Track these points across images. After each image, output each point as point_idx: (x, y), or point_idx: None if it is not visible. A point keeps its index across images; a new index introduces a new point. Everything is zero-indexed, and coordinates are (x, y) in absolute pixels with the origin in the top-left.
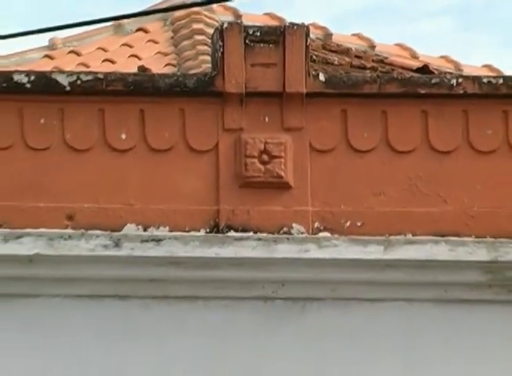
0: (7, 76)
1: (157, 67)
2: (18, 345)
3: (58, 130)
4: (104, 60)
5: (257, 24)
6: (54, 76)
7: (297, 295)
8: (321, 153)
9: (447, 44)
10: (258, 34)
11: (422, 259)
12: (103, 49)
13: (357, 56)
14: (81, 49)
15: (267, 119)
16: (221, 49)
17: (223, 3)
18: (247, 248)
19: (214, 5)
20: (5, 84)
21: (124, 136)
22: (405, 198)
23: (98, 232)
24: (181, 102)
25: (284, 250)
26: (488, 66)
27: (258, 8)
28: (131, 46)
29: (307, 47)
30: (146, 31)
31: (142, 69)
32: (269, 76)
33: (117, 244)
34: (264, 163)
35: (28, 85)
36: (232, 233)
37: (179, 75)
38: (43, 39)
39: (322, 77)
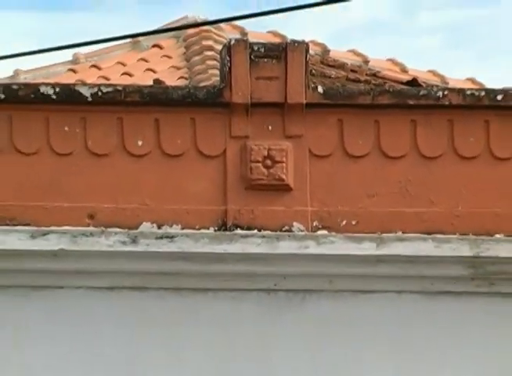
0: (34, 88)
1: (171, 80)
2: (44, 333)
3: (80, 137)
4: (123, 74)
5: (262, 41)
6: (77, 88)
7: (297, 287)
8: (319, 158)
9: (434, 59)
10: (262, 50)
11: (411, 255)
12: (122, 64)
13: (352, 70)
14: (101, 64)
15: (270, 127)
16: (229, 64)
17: (231, 22)
18: (252, 245)
19: (223, 24)
20: (32, 96)
21: (140, 143)
22: (396, 199)
23: (116, 229)
24: (192, 112)
25: (285, 246)
26: (471, 80)
27: (263, 26)
28: (147, 61)
29: (306, 62)
30: (160, 47)
31: (157, 82)
32: (272, 88)
33: (134, 241)
34: (267, 167)
35: (54, 96)
36: (238, 231)
37: (190, 87)
38: (67, 54)
39: (320, 89)
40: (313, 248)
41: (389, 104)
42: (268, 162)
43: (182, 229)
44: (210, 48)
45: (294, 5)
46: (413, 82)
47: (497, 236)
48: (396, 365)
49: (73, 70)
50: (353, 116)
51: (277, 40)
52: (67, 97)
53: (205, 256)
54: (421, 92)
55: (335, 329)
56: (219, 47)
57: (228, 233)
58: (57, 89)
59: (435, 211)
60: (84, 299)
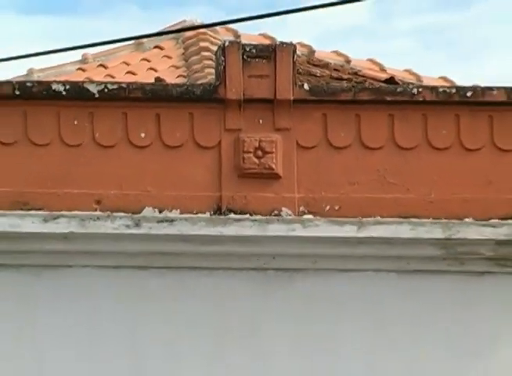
0: (46, 85)
1: (171, 78)
2: (54, 308)
3: (88, 130)
4: (127, 72)
5: (253, 43)
6: (85, 85)
7: (285, 266)
8: (305, 149)
9: (409, 60)
10: (254, 50)
11: (388, 237)
12: (126, 63)
13: (335, 69)
14: (107, 63)
15: (261, 121)
16: (223, 63)
17: (225, 25)
18: (244, 228)
19: (218, 27)
20: (45, 92)
21: (143, 135)
22: (375, 187)
23: (121, 214)
24: (190, 107)
25: (275, 229)
26: (443, 78)
27: (254, 29)
28: (149, 61)
29: (294, 62)
30: (161, 48)
31: (158, 80)
32: (263, 85)
33: (137, 224)
34: (258, 157)
35: (64, 93)
36: (232, 215)
37: (189, 85)
38: (77, 55)
39: (306, 86)
40: (299, 231)
41: (369, 100)
42: (259, 153)
43: (181, 213)
44: (207, 49)
45: (282, 9)
46: (391, 80)
47: (466, 220)
48: (374, 337)
49: (82, 69)
50: (336, 111)
51: (267, 42)
52: (76, 94)
53: (202, 238)
54: (398, 89)
55: (319, 304)
56: (215, 48)
57: (222, 217)
58: (67, 86)
59: (410, 198)
60: (91, 277)
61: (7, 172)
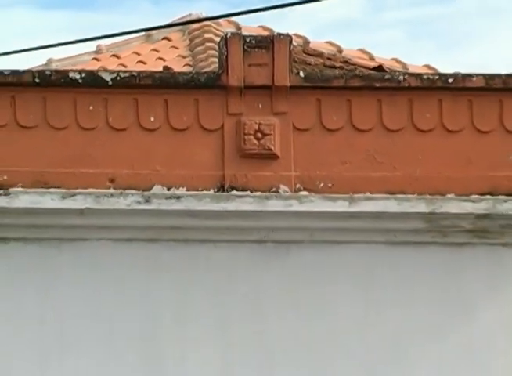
0: (64, 74)
1: (178, 67)
2: (72, 278)
3: (102, 114)
4: (138, 62)
5: (253, 34)
6: (100, 73)
7: (283, 239)
8: (301, 131)
9: (397, 49)
10: (254, 41)
11: (377, 211)
12: (137, 53)
13: (328, 58)
14: (120, 54)
15: (260, 106)
16: (226, 53)
17: (227, 18)
18: (246, 203)
19: (221, 20)
20: (62, 80)
21: (152, 119)
22: (365, 165)
23: (133, 191)
24: (195, 93)
25: (273, 205)
26: (427, 66)
27: (255, 21)
28: (158, 51)
29: (290, 51)
30: (169, 40)
31: (166, 68)
32: (262, 73)
33: (148, 201)
34: (258, 139)
35: (80, 81)
36: (234, 192)
37: (194, 73)
38: (92, 46)
39: (301, 74)
40: (296, 206)
41: (359, 86)
42: (259, 135)
43: (187, 190)
44: (211, 40)
45: (280, 3)
46: (379, 68)
47: (448, 195)
48: (365, 301)
49: (97, 59)
50: (329, 96)
51: (266, 33)
52: (91, 81)
53: (206, 213)
54: (386, 76)
55: (314, 273)
56: (218, 39)
57: (225, 193)
58: (83, 75)
59: (397, 175)
60: (105, 250)
61: (28, 154)
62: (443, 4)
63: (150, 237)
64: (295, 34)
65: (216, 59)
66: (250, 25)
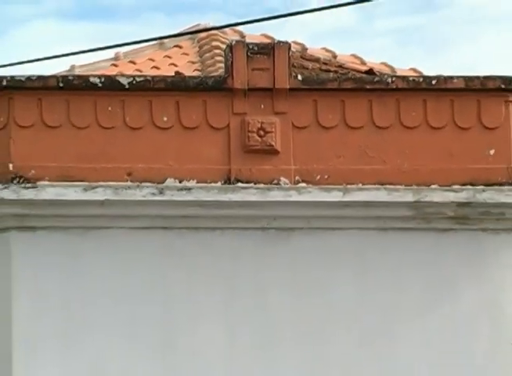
0: (85, 78)
1: (188, 72)
2: (94, 263)
3: (120, 115)
4: (152, 67)
5: (256, 42)
6: (117, 78)
7: (284, 226)
8: (299, 129)
9: (387, 55)
10: (256, 48)
11: (369, 201)
12: (151, 60)
13: (324, 63)
14: (136, 60)
15: (262, 106)
16: (231, 59)
17: (232, 27)
18: (250, 194)
19: (227, 29)
20: (84, 84)
21: (165, 119)
22: (357, 159)
23: (148, 184)
24: (204, 95)
25: (275, 195)
26: (413, 69)
27: (257, 30)
28: (170, 57)
29: (289, 57)
30: (180, 47)
31: (177, 73)
32: (264, 77)
33: (161, 192)
34: (260, 136)
35: (100, 85)
36: (239, 184)
37: (203, 77)
38: (110, 53)
39: (299, 77)
40: (295, 197)
41: (352, 88)
42: (261, 132)
43: (197, 183)
44: (218, 48)
45: (280, 14)
46: (370, 72)
47: (433, 186)
48: (359, 281)
49: (115, 65)
50: (324, 97)
51: (267, 40)
52: (110, 85)
53: (214, 203)
54: (375, 79)
55: (312, 257)
56: (224, 46)
57: (231, 185)
58: (102, 79)
59: (386, 168)
60: (124, 237)
61: (53, 151)
62: (427, 13)
63: (164, 225)
64: (294, 42)
65: (222, 65)
66: (253, 33)
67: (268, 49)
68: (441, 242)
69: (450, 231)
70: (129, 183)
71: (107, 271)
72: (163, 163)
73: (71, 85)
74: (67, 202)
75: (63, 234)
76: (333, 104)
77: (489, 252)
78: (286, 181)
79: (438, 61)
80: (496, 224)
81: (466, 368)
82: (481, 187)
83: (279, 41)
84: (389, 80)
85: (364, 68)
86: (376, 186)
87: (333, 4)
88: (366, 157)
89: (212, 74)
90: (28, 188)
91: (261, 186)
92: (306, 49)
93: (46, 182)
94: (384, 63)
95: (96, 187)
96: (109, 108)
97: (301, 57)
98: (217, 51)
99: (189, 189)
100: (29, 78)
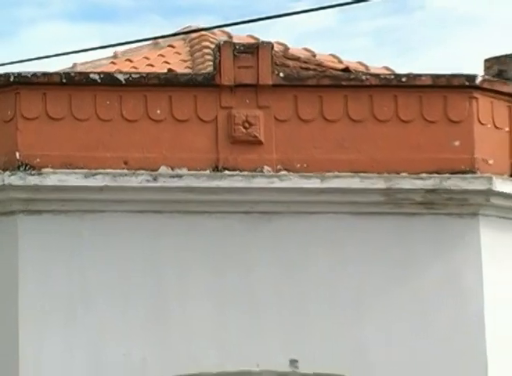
0: (86, 75)
1: (180, 69)
2: (94, 244)
3: (118, 108)
4: (147, 65)
5: (242, 42)
6: (115, 74)
7: (267, 210)
8: (281, 121)
9: (365, 54)
10: (242, 48)
11: (344, 187)
12: (147, 58)
13: (304, 62)
14: (133, 58)
15: (247, 101)
16: (219, 57)
17: (221, 29)
18: (236, 181)
19: (215, 30)
20: (84, 80)
21: (159, 112)
22: (334, 150)
23: (143, 171)
24: (194, 90)
25: (258, 182)
26: (386, 68)
27: (244, 31)
28: (163, 56)
29: (272, 56)
30: (173, 47)
31: (170, 70)
32: (249, 74)
33: (155, 179)
34: (246, 128)
35: (99, 80)
36: (226, 172)
37: (193, 74)
38: (109, 52)
39: (281, 74)
40: (277, 183)
41: (329, 84)
42: (246, 124)
43: (188, 170)
44: (207, 47)
45: (264, 16)
46: (346, 70)
47: (403, 174)
48: (334, 260)
49: (113, 63)
50: (304, 93)
51: (252, 41)
52: (108, 81)
53: (203, 189)
54: (351, 76)
55: (292, 238)
56: (213, 46)
57: (219, 173)
58: (101, 76)
59: (361, 158)
60: (121, 219)
61: (57, 140)
62: (403, 16)
63: (157, 209)
64: (277, 42)
65: (211, 63)
66: (240, 34)
67: (253, 49)
68: (410, 225)
69: (418, 215)
70: (126, 171)
71: (105, 250)
72: (157, 152)
73: (73, 81)
74: (69, 188)
75: (65, 217)
76: (311, 99)
77: (453, 234)
78: (269, 169)
79: (410, 60)
80: (460, 209)
81: (433, 338)
82: (447, 175)
83: (263, 42)
84: (363, 77)
85: (341, 66)
86: (351, 174)
87: (317, 6)
88: (342, 148)
89: (202, 72)
90: (33, 175)
91: (246, 173)
92: (288, 49)
93: (50, 170)
94: (360, 62)
95: (96, 174)
96: (108, 102)
97: (283, 56)
98: (206, 50)
99: (180, 176)
100: (34, 75)
